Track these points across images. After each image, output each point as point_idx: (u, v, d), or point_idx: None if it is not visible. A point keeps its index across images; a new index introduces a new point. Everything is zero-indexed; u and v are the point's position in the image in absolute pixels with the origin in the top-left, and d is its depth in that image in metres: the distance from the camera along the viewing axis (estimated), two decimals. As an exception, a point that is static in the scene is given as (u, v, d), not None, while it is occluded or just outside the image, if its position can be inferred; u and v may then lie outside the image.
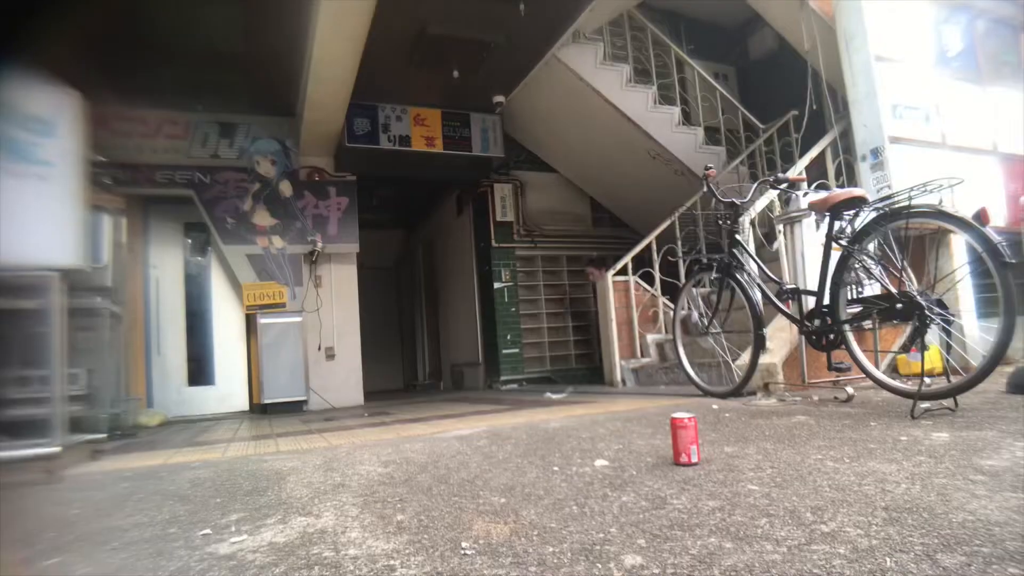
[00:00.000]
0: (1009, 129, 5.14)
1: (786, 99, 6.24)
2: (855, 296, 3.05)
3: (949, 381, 2.63)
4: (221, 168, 6.57)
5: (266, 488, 2.05)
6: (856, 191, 3.10)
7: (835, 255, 3.10)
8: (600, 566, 1.16)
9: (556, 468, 2.02)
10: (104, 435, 3.78)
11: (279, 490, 2.01)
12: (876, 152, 4.48)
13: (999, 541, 1.10)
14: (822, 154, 5.15)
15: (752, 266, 3.69)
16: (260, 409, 6.41)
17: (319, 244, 6.73)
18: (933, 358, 3.62)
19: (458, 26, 5.66)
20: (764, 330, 3.57)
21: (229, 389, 6.94)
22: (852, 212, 3.05)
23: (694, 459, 1.91)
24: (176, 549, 1.47)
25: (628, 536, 1.31)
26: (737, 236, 3.71)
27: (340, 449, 2.78)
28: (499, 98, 7.14)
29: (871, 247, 2.96)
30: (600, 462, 2.06)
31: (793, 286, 3.52)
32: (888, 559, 1.07)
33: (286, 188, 6.78)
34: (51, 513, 1.97)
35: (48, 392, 2.85)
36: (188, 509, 1.85)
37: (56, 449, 2.75)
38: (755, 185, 3.77)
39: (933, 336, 3.14)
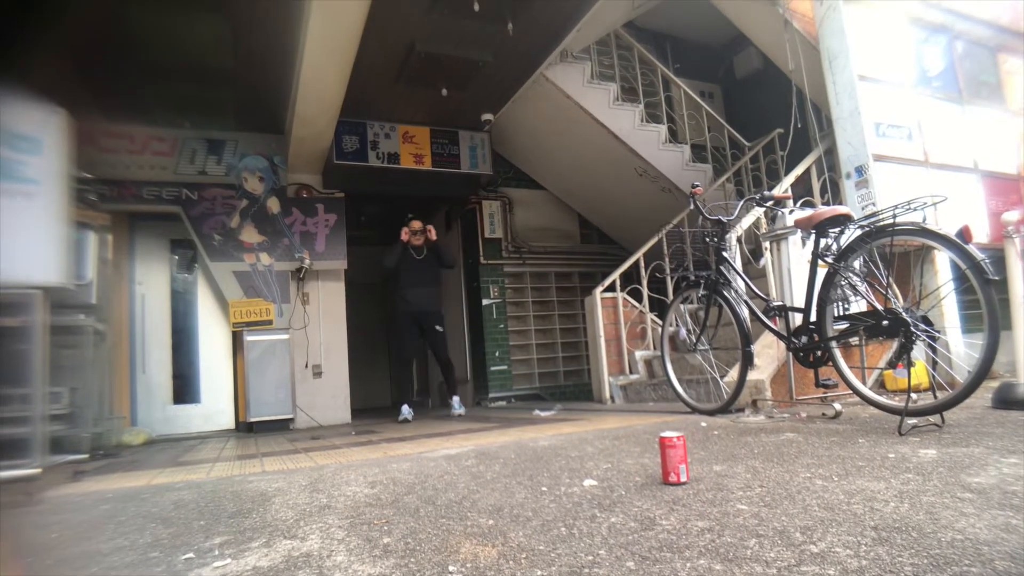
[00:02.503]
0: (989, 147, 5.23)
1: (771, 117, 6.32)
2: (841, 313, 3.07)
3: (936, 397, 2.64)
4: (208, 185, 6.54)
5: (251, 510, 2.02)
6: (841, 209, 3.13)
7: (821, 272, 3.12)
8: (589, 589, 1.14)
9: (544, 488, 2.01)
10: (86, 455, 3.73)
11: (264, 512, 1.98)
12: (860, 170, 4.53)
13: (988, 561, 1.10)
14: (807, 172, 5.21)
15: (739, 283, 3.71)
16: (246, 427, 6.34)
17: (307, 261, 6.71)
18: (919, 374, 3.65)
19: (446, 45, 5.69)
20: (752, 347, 3.58)
21: (215, 407, 6.87)
22: (837, 229, 3.07)
23: (683, 478, 1.90)
24: (158, 574, 1.44)
25: (617, 558, 1.29)
26: (724, 253, 3.72)
27: (326, 469, 2.75)
28: (487, 116, 7.19)
29: (856, 264, 2.98)
30: (589, 482, 2.04)
31: (780, 303, 3.54)
32: (878, 580, 1.06)
33: (274, 205, 6.77)
34: (30, 537, 1.93)
35: (29, 411, 2.80)
36: (171, 532, 1.81)
37: (36, 471, 2.71)
38: (741, 203, 3.80)
39: (919, 352, 3.16)
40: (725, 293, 3.67)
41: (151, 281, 6.77)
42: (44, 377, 2.86)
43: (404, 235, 6.07)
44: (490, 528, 1.60)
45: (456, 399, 6.16)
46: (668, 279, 5.94)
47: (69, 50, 4.94)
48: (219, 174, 6.64)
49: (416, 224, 6.21)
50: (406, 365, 6.32)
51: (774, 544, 1.29)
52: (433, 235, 6.21)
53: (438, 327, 6.14)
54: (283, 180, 6.90)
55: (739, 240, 4.61)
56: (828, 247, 3.09)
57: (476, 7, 5.02)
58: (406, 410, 5.82)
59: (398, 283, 6.15)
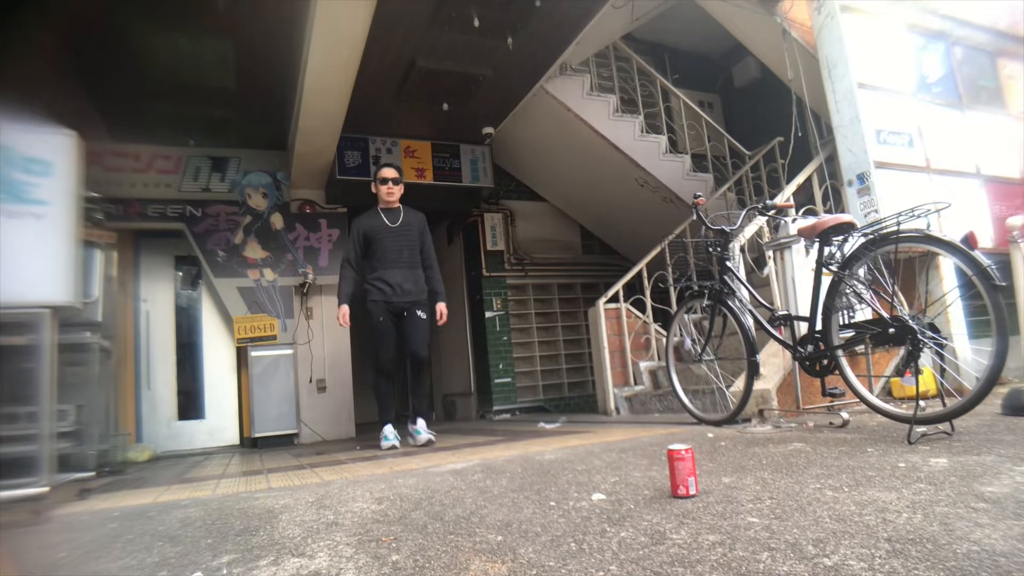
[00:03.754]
0: (991, 152, 5.23)
1: (771, 125, 6.33)
2: (847, 321, 3.06)
3: (944, 404, 2.63)
4: (212, 201, 6.58)
5: (258, 527, 2.01)
6: (844, 217, 3.13)
7: (825, 280, 3.12)
8: (602, 606, 1.13)
9: (553, 503, 2.00)
10: (92, 473, 3.72)
11: (271, 529, 1.97)
12: (862, 177, 4.54)
13: (1006, 573, 1.09)
14: (809, 180, 5.22)
15: (743, 292, 3.71)
16: (251, 443, 6.33)
17: (310, 276, 6.72)
18: (927, 381, 3.63)
19: (447, 60, 5.73)
20: (757, 356, 3.57)
21: (219, 423, 6.86)
22: (841, 237, 3.07)
23: (692, 491, 1.89)
24: (166, 595, 1.43)
25: (628, 574, 1.28)
26: (727, 263, 3.72)
27: (332, 485, 2.74)
28: (488, 129, 7.21)
29: (861, 272, 2.98)
30: (597, 496, 2.03)
31: (785, 312, 3.53)
32: (893, 593, 1.05)
33: (277, 221, 6.79)
34: (37, 557, 1.92)
35: (36, 429, 2.80)
36: (178, 551, 1.81)
37: (44, 489, 2.70)
38: (744, 212, 3.80)
39: (926, 359, 3.15)
40: (729, 303, 3.66)
41: (156, 298, 6.79)
42: (51, 395, 2.86)
43: (373, 188, 4.75)
44: (499, 544, 1.59)
45: (422, 423, 4.55)
46: (671, 289, 5.93)
47: (77, 71, 4.99)
48: (223, 191, 6.68)
49: (386, 170, 4.68)
50: (383, 373, 4.57)
51: (786, 557, 1.28)
52: (443, 312, 4.72)
53: (420, 312, 4.60)
54: (286, 196, 6.93)
55: (742, 249, 4.60)
56: (832, 255, 3.08)
57: (476, 23, 5.06)
58: (390, 432, 4.48)
59: (371, 264, 4.64)
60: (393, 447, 4.38)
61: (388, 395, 4.64)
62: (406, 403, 4.85)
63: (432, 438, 4.42)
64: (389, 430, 4.50)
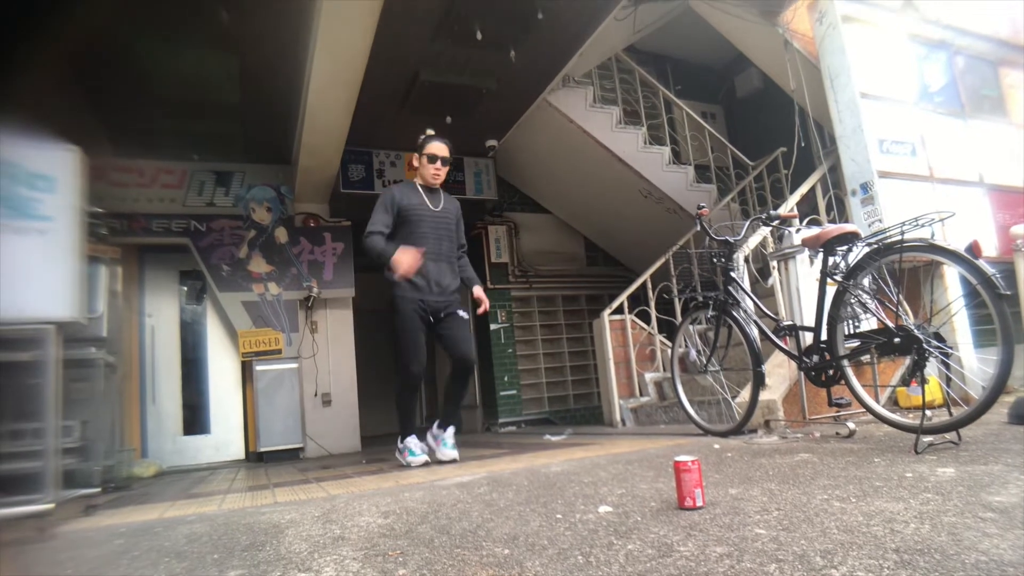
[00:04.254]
0: (994, 161, 5.23)
1: (774, 136, 6.35)
2: (852, 331, 3.06)
3: (950, 414, 2.62)
4: (217, 216, 6.61)
5: (264, 542, 2.01)
6: (848, 227, 3.13)
7: (830, 290, 3.12)
8: (609, 619, 1.13)
9: (559, 515, 1.99)
10: (97, 489, 3.71)
11: (277, 544, 1.97)
12: (866, 187, 4.54)
13: (1014, 583, 1.08)
14: (812, 190, 5.22)
15: (748, 303, 3.70)
16: (256, 457, 6.32)
17: (315, 290, 6.74)
18: (933, 390, 3.62)
19: (450, 73, 5.77)
20: (763, 367, 3.56)
21: (225, 437, 6.85)
22: (845, 247, 3.07)
23: (699, 503, 1.88)
24: (172, 611, 1.43)
25: (636, 586, 1.28)
26: (732, 273, 3.72)
27: (338, 499, 2.73)
28: (492, 142, 7.25)
29: (866, 282, 2.98)
30: (604, 508, 2.03)
31: (790, 322, 3.52)
32: (902, 605, 1.05)
33: (281, 234, 6.82)
34: (43, 574, 1.92)
35: (42, 445, 2.80)
36: (185, 567, 1.80)
37: (49, 506, 2.70)
38: (748, 222, 3.80)
39: (932, 368, 3.14)
40: (734, 313, 3.66)
41: (161, 312, 6.81)
42: (57, 411, 2.86)
43: (414, 161, 4.05)
44: (506, 558, 1.58)
45: (451, 431, 4.02)
46: (676, 300, 5.93)
47: (81, 87, 5.04)
48: (227, 205, 6.71)
49: (438, 146, 3.98)
50: (412, 385, 3.97)
51: (794, 569, 1.27)
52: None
53: (462, 312, 4.02)
54: (290, 210, 6.96)
55: (746, 260, 4.60)
56: (836, 265, 3.08)
57: (479, 36, 5.10)
58: (414, 444, 3.93)
59: (397, 248, 3.84)
60: (426, 463, 3.87)
61: (414, 407, 4.12)
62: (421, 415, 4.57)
63: (456, 457, 3.91)
64: (415, 443, 3.94)
